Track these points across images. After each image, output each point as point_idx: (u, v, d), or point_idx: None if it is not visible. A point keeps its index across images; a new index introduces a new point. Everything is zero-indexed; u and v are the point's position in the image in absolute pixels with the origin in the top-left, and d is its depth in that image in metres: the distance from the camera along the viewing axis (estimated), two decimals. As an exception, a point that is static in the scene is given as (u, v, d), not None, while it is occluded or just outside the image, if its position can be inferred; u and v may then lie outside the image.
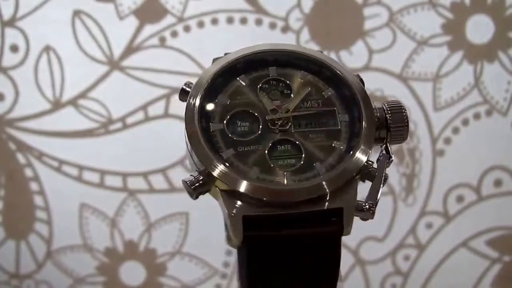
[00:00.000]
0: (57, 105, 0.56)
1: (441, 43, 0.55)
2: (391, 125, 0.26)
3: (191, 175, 0.23)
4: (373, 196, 0.24)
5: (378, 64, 0.55)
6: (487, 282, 0.61)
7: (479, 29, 0.55)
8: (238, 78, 0.26)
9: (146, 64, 0.55)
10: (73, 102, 0.56)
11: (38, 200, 0.59)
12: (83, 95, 0.56)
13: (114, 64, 0.55)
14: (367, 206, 0.24)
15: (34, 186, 0.58)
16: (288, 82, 0.26)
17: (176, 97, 0.55)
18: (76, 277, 0.61)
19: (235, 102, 0.25)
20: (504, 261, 0.60)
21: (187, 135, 0.24)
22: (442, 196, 0.58)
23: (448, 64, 0.55)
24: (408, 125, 0.26)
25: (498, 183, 0.58)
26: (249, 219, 0.22)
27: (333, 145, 0.25)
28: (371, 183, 0.24)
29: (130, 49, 0.55)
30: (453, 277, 0.60)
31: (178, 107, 0.55)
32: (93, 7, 0.54)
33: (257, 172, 0.24)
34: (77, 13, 0.54)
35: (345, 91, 0.26)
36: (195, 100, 0.24)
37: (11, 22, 0.54)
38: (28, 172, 0.58)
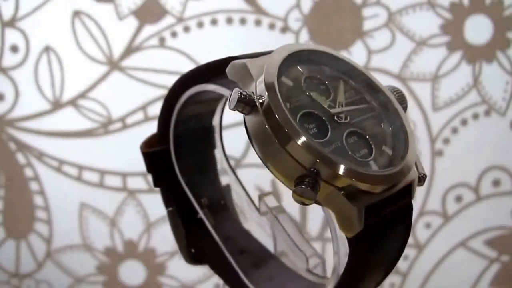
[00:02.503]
0: (57, 105, 0.56)
1: (440, 43, 0.55)
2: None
3: (301, 182, 0.22)
4: (421, 166, 0.26)
5: (377, 65, 0.55)
6: (486, 282, 0.61)
7: (478, 29, 0.55)
8: (282, 80, 0.25)
9: (145, 64, 0.55)
10: (73, 102, 0.56)
11: (38, 200, 0.59)
12: (83, 95, 0.56)
13: (114, 64, 0.55)
14: (423, 176, 0.26)
15: (34, 186, 0.59)
16: (319, 77, 0.26)
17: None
18: (76, 276, 0.61)
19: (294, 104, 0.25)
20: (502, 261, 0.60)
21: (293, 136, 0.23)
22: (440, 196, 0.59)
23: (447, 64, 0.56)
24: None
25: (496, 183, 0.58)
26: (367, 208, 0.23)
27: (382, 129, 0.26)
28: None
29: (130, 50, 0.55)
30: (451, 276, 0.60)
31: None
32: (93, 7, 0.54)
33: (354, 166, 0.24)
34: (77, 14, 0.54)
35: (363, 78, 0.27)
36: (279, 102, 0.23)
37: (12, 23, 0.54)
38: (28, 172, 0.58)
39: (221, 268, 0.33)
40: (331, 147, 0.24)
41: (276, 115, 0.23)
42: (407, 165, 0.25)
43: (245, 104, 0.23)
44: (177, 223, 0.33)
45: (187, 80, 0.29)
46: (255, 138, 0.24)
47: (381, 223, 0.24)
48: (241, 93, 0.23)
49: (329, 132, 0.24)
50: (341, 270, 0.25)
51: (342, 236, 0.24)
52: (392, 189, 0.24)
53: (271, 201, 0.33)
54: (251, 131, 0.24)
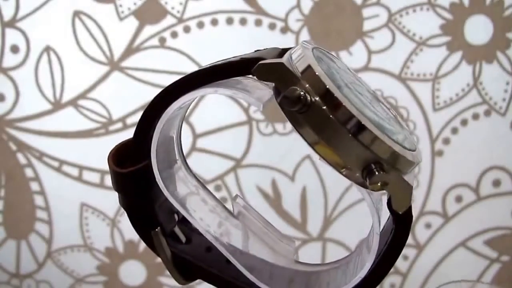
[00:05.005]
0: (57, 105, 0.56)
1: (440, 43, 0.55)
2: None
3: (370, 170, 0.23)
4: None
5: (377, 65, 0.55)
6: (486, 282, 0.61)
7: (478, 29, 0.55)
8: None
9: (146, 64, 0.55)
10: (73, 102, 0.56)
11: (38, 200, 0.59)
12: (83, 95, 0.56)
13: (114, 65, 0.55)
14: None
15: (34, 186, 0.59)
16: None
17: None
18: (77, 277, 0.61)
19: None
20: (502, 261, 0.60)
21: (364, 123, 0.23)
22: (441, 196, 0.59)
23: (447, 64, 0.56)
24: None
25: (496, 183, 0.58)
26: None
27: (387, 114, 0.27)
28: None
29: (130, 50, 0.55)
30: (452, 277, 0.60)
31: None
32: (93, 7, 0.54)
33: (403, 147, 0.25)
34: (77, 14, 0.54)
35: (353, 72, 0.28)
36: (338, 91, 0.24)
37: (12, 23, 0.55)
38: (29, 172, 0.58)
39: (219, 276, 0.32)
40: None
41: (346, 106, 0.23)
42: (418, 148, 0.26)
43: (303, 103, 0.23)
44: (162, 244, 0.31)
45: (185, 85, 0.27)
46: (320, 133, 0.24)
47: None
48: (298, 92, 0.23)
49: None
50: (379, 247, 0.26)
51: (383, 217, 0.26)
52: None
53: (240, 202, 0.32)
54: (313, 127, 0.24)
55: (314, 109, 0.23)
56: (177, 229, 0.32)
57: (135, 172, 0.30)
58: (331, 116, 0.23)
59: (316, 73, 0.24)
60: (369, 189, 0.23)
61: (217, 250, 0.31)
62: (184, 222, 0.32)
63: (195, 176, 0.33)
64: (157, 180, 0.30)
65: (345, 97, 0.24)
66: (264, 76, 0.25)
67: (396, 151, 0.24)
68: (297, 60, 0.25)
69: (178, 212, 0.32)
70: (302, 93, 0.23)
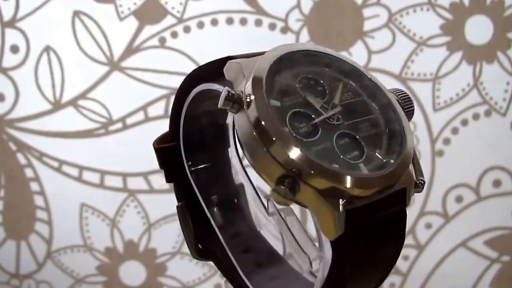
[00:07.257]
0: (57, 105, 0.56)
1: (440, 43, 0.55)
2: (406, 113, 0.27)
3: (281, 182, 0.22)
4: (421, 172, 0.26)
5: (377, 65, 0.55)
6: (486, 282, 0.61)
7: (478, 29, 0.55)
8: (276, 79, 0.25)
9: (146, 64, 0.55)
10: (73, 102, 0.56)
11: (38, 200, 0.59)
12: (83, 95, 0.56)
13: (114, 65, 0.55)
14: (421, 182, 0.26)
15: (34, 186, 0.59)
16: (316, 78, 0.26)
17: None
18: (76, 277, 0.61)
19: (286, 103, 0.25)
20: (503, 261, 0.60)
21: (272, 135, 0.23)
22: (441, 196, 0.59)
23: (447, 64, 0.56)
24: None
25: (497, 183, 0.58)
26: (349, 212, 0.23)
27: (377, 132, 0.26)
28: None
29: (130, 50, 0.55)
30: (452, 277, 0.60)
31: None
32: (93, 7, 0.54)
33: (338, 168, 0.23)
34: (77, 14, 0.54)
35: (364, 79, 0.27)
36: (264, 102, 0.23)
37: (12, 23, 0.54)
38: (29, 172, 0.58)
39: (225, 266, 0.33)
40: (319, 146, 0.24)
41: (257, 112, 0.23)
42: (398, 170, 0.24)
43: (233, 103, 0.23)
44: (185, 218, 0.33)
45: (194, 78, 0.29)
46: (241, 136, 0.24)
47: (368, 228, 0.24)
48: (229, 92, 0.23)
49: (319, 132, 0.24)
50: (325, 274, 0.25)
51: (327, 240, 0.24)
52: (382, 194, 0.24)
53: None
54: (238, 129, 0.24)
55: (241, 111, 0.24)
56: (213, 211, 0.33)
57: (164, 149, 0.32)
58: (249, 120, 0.23)
59: (252, 77, 0.24)
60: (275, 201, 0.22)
61: (235, 243, 0.32)
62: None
63: (241, 165, 0.34)
64: (183, 159, 0.32)
65: (271, 106, 0.23)
66: (227, 75, 0.26)
67: (306, 170, 0.22)
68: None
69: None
70: (231, 93, 0.23)
